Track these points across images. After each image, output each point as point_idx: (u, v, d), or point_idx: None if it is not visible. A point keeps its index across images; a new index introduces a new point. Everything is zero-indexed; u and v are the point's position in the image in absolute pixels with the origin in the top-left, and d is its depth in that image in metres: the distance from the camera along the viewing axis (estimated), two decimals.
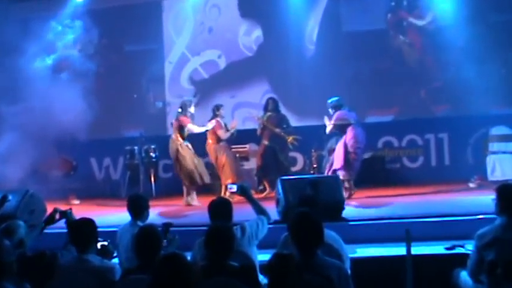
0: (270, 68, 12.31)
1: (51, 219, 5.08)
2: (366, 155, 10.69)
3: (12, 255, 3.74)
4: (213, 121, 10.11)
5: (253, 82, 12.47)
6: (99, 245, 4.64)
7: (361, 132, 9.51)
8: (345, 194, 8.71)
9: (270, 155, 10.44)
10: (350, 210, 7.80)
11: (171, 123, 10.58)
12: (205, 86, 12.77)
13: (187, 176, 9.88)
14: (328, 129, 9.54)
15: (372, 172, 10.82)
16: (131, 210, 5.47)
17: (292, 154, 11.73)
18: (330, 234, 4.60)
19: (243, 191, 5.20)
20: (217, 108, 10.29)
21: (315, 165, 10.87)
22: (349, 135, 9.36)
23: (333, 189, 7.38)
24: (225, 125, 10.25)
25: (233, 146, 10.89)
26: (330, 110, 9.56)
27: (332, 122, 9.45)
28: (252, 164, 11.45)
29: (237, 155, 11.04)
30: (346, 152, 9.30)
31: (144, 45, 12.94)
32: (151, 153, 11.62)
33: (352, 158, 9.33)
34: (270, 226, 5.13)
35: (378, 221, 7.19)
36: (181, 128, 9.91)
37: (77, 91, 10.46)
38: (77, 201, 10.80)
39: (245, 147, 11.37)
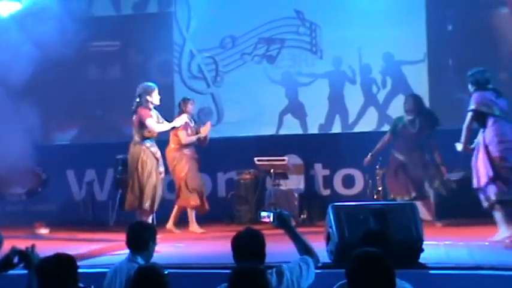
0: None
1: (7, 263, 4.98)
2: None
3: None
4: (183, 116, 10.30)
5: None
6: None
7: (509, 127, 8.90)
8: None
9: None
10: (431, 253, 7.60)
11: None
12: None
13: (149, 196, 9.51)
14: (460, 147, 9.06)
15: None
16: (130, 241, 5.49)
17: (346, 171, 11.68)
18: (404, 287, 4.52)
19: (281, 222, 5.12)
20: (184, 102, 10.73)
21: (380, 188, 10.79)
22: (488, 133, 8.83)
23: (406, 222, 7.25)
24: (195, 127, 10.73)
25: (268, 158, 11.00)
26: (469, 86, 9.12)
27: (471, 106, 8.93)
28: (292, 184, 11.46)
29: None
30: (490, 159, 8.78)
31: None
32: None
33: (499, 165, 8.76)
34: (318, 271, 5.07)
35: (476, 271, 6.93)
36: (142, 125, 9.58)
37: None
38: (45, 230, 10.84)
39: (283, 160, 11.37)
